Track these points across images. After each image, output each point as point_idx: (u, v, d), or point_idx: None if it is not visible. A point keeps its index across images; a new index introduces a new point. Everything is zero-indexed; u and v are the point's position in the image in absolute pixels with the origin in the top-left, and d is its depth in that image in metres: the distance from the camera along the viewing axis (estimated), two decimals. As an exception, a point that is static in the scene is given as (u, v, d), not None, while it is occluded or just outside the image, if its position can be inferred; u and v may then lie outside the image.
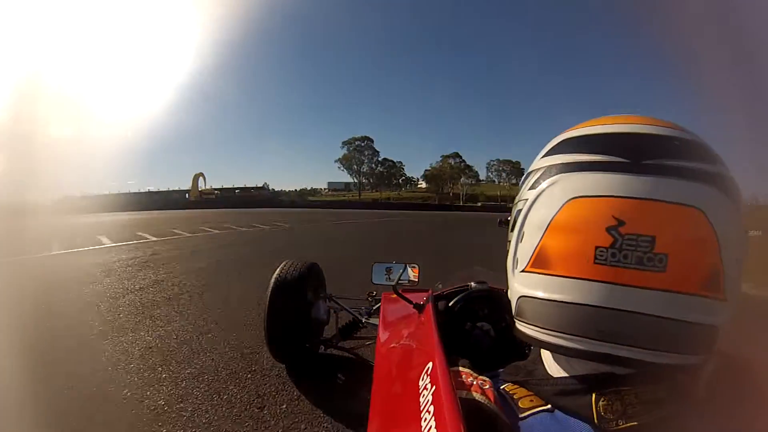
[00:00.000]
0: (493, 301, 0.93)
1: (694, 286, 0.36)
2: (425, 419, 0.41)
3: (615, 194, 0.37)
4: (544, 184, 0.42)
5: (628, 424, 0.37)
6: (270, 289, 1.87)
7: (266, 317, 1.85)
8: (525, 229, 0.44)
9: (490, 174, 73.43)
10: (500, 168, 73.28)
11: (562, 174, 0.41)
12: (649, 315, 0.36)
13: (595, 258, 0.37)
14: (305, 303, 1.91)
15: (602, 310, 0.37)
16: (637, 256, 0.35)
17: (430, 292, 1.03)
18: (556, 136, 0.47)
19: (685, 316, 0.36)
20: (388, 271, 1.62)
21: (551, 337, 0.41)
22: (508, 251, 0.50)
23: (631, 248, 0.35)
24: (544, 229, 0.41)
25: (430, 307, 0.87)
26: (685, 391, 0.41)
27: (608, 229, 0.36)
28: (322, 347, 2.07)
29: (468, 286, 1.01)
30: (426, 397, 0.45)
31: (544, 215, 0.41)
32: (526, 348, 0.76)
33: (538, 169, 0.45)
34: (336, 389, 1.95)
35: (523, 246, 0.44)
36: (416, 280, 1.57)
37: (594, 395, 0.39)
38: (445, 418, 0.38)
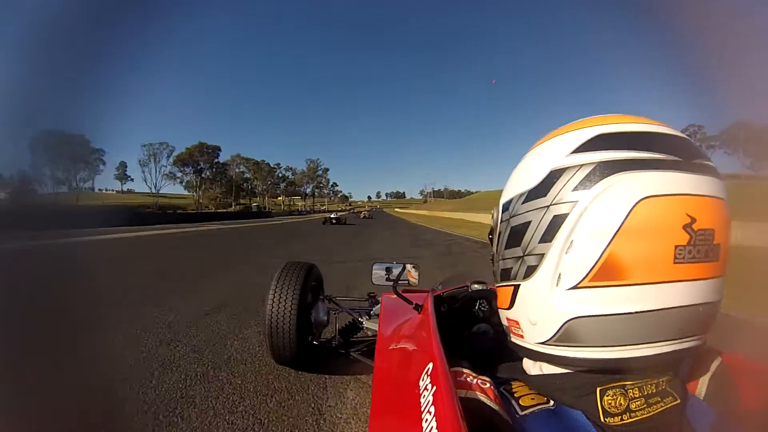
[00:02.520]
0: (493, 302, 0.93)
1: (726, 269, 0.40)
2: (426, 420, 0.41)
3: (686, 192, 0.37)
4: (603, 184, 0.38)
5: (633, 419, 0.38)
6: (271, 291, 1.87)
7: (268, 319, 1.84)
8: (576, 237, 0.39)
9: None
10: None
11: (625, 173, 0.38)
12: (709, 303, 0.39)
13: (675, 257, 0.37)
14: (305, 305, 1.90)
15: (683, 309, 0.38)
16: (705, 250, 0.37)
17: (430, 292, 1.03)
18: (571, 130, 0.43)
19: (720, 297, 0.40)
20: (388, 271, 1.61)
21: (617, 352, 0.39)
22: (510, 268, 0.46)
23: (702, 243, 0.37)
24: (612, 235, 0.37)
25: (429, 307, 0.86)
26: (685, 385, 0.41)
27: (685, 227, 0.37)
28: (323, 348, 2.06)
29: (468, 286, 1.00)
30: (427, 397, 0.45)
31: (609, 219, 0.38)
32: None
33: (575, 166, 0.40)
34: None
35: (575, 257, 0.39)
36: (416, 280, 1.57)
37: (598, 390, 0.39)
38: (446, 418, 0.38)
